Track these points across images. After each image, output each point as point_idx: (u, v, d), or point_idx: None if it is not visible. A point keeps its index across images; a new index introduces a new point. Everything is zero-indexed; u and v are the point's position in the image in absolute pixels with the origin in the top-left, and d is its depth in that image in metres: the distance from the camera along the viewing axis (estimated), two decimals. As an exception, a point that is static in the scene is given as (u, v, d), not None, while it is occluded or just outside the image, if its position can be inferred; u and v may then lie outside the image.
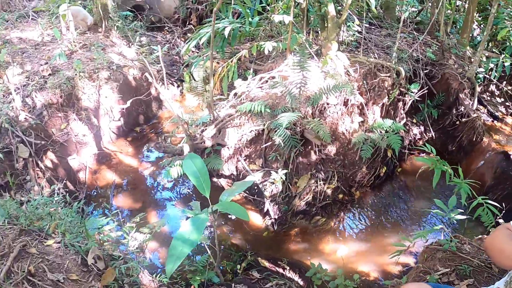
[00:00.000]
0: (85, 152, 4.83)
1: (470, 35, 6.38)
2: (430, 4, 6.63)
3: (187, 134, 4.48)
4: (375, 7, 6.62)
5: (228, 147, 4.62)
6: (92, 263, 2.42)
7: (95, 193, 4.60)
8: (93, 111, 5.03)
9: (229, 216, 4.35)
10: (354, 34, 5.48)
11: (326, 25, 4.80)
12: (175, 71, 6.83)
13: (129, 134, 5.56)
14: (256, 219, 4.39)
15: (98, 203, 4.40)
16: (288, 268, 3.60)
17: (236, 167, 4.67)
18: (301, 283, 3.49)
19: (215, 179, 4.75)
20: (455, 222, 4.09)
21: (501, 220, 3.35)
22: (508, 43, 6.43)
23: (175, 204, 4.60)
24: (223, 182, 4.77)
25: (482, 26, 7.24)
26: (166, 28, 8.06)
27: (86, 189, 4.55)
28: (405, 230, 4.32)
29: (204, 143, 4.55)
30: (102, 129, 5.16)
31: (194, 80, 6.67)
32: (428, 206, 4.52)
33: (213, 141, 4.57)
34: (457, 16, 7.06)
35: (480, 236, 3.41)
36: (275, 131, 4.17)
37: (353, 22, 5.52)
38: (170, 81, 6.40)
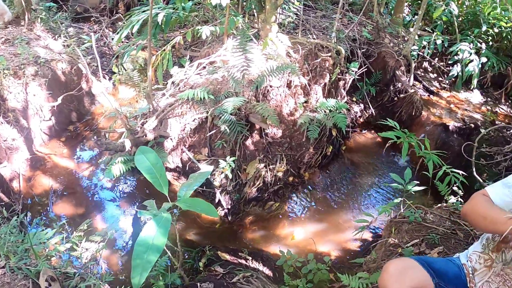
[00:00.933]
0: (16, 158, 4.38)
1: (402, 15, 6.57)
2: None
3: (127, 128, 4.22)
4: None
5: (171, 139, 4.42)
6: (46, 287, 2.07)
7: (32, 202, 4.21)
8: (21, 111, 4.58)
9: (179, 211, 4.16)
10: (292, 16, 5.43)
11: (264, 7, 4.71)
12: (106, 63, 6.46)
13: (62, 134, 5.14)
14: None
15: (38, 214, 4.02)
16: (250, 258, 3.49)
17: (181, 158, 4.48)
18: (268, 272, 3.40)
19: (159, 174, 4.52)
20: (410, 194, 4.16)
21: (455, 188, 3.44)
22: (439, 22, 6.71)
23: (120, 204, 4.32)
24: (169, 176, 4.55)
25: (412, 6, 7.50)
26: (93, 18, 7.61)
27: (22, 199, 4.14)
28: (357, 205, 4.37)
29: (146, 136, 4.30)
30: (33, 131, 4.72)
31: (126, 71, 6.34)
32: (375, 181, 4.60)
33: (155, 133, 4.34)
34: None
35: (439, 205, 3.48)
36: (220, 117, 4.02)
37: (292, 3, 5.47)
38: (102, 74, 6.03)
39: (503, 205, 1.70)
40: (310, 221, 4.17)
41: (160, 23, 5.18)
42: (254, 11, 5.29)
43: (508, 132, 5.10)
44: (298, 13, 5.33)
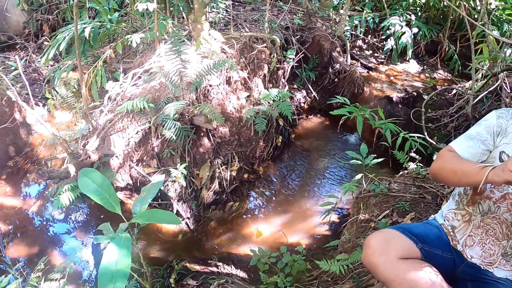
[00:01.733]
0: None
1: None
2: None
3: (69, 152, 3.99)
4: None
5: (116, 156, 4.22)
6: None
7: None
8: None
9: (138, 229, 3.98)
10: (222, 13, 5.34)
11: (192, 7, 4.61)
12: (38, 89, 6.14)
13: (2, 171, 4.82)
14: (169, 225, 4.06)
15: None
16: (221, 264, 3.39)
17: (131, 175, 4.29)
18: (242, 274, 3.30)
19: (110, 194, 4.31)
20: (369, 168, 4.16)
21: (413, 154, 3.46)
22: (367, 0, 6.83)
23: (76, 235, 4.08)
24: (120, 195, 4.35)
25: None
26: (18, 46, 7.24)
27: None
28: (318, 190, 4.34)
29: (90, 157, 4.09)
30: (-30, 173, 4.40)
31: (59, 94, 6.05)
32: (330, 162, 4.60)
33: (99, 153, 4.14)
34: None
35: (401, 173, 3.50)
36: (163, 125, 3.88)
37: (220, 1, 5.39)
38: (35, 101, 5.72)
39: (470, 158, 1.71)
40: (274, 214, 4.11)
41: (88, 39, 4.97)
42: (183, 12, 5.19)
43: (450, 94, 5.24)
44: (228, 9, 5.26)
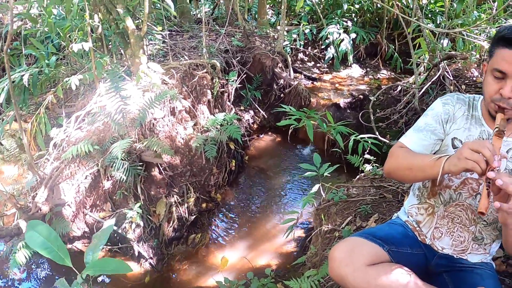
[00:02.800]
0: None
1: (267, 16, 6.73)
2: (222, 1, 6.84)
3: (18, 207, 3.81)
4: (173, 17, 6.59)
5: (68, 205, 4.05)
6: None
7: None
8: None
9: (100, 280, 3.80)
10: (159, 44, 5.29)
11: (128, 42, 4.54)
12: (-21, 146, 5.86)
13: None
14: (132, 268, 3.91)
15: None
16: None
17: (86, 222, 4.12)
18: None
19: (69, 246, 4.12)
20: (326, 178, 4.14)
21: (367, 156, 3.45)
22: (303, 13, 6.97)
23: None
24: (79, 245, 4.17)
25: (274, 7, 7.74)
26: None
27: None
28: (279, 208, 4.30)
29: (40, 210, 3.91)
30: None
31: (3, 146, 5.80)
32: (288, 178, 4.57)
33: (49, 204, 3.96)
34: (250, 3, 7.40)
35: (358, 176, 3.46)
36: (112, 166, 3.76)
37: (156, 31, 5.34)
38: (-23, 160, 5.45)
39: (423, 150, 1.67)
40: (238, 239, 4.03)
41: (27, 87, 4.81)
42: (121, 48, 5.11)
43: (395, 91, 5.36)
44: (166, 40, 5.21)
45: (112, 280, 3.80)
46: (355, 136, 3.06)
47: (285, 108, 3.05)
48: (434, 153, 1.67)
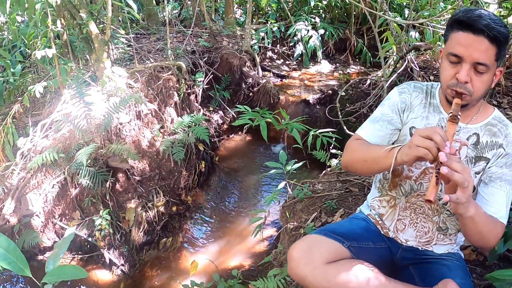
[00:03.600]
0: None
1: (234, 15, 6.71)
2: (189, 1, 6.79)
3: (-17, 221, 3.72)
4: (140, 20, 6.52)
5: (37, 215, 3.97)
6: None
7: None
8: None
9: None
10: (124, 48, 5.23)
11: (93, 46, 4.48)
12: None
13: None
14: (104, 276, 3.84)
15: None
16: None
17: (56, 231, 4.05)
18: None
19: (40, 257, 4.04)
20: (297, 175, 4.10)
21: (333, 150, 3.43)
22: (270, 11, 6.96)
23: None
24: (49, 255, 4.09)
25: (242, 6, 7.72)
26: None
27: None
28: (251, 208, 4.27)
29: (9, 221, 3.83)
30: None
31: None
32: (259, 178, 4.54)
33: (17, 215, 3.88)
34: (217, 3, 7.37)
35: (324, 172, 3.42)
36: (78, 174, 3.69)
37: (120, 35, 5.27)
38: None
39: (380, 141, 1.63)
40: (210, 242, 4.00)
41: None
42: (86, 54, 5.03)
43: (365, 85, 5.38)
44: (131, 43, 5.15)
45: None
46: (314, 132, 3.02)
47: (241, 108, 3.01)
48: (393, 144, 1.62)
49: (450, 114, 1.35)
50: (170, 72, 4.48)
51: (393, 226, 1.73)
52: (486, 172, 1.53)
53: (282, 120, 3.05)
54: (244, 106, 3.01)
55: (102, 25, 5.10)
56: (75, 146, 3.86)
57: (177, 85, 4.53)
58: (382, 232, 1.77)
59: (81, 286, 3.77)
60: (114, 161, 3.83)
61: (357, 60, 6.84)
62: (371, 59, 6.51)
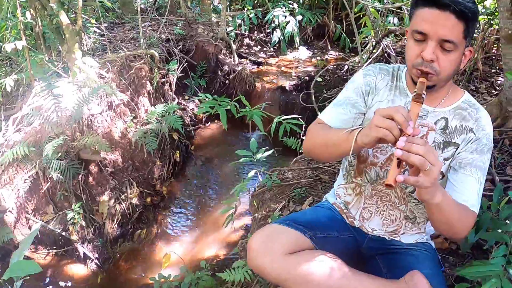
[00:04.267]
0: None
1: (212, 2, 6.62)
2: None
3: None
4: (116, 9, 6.40)
5: (9, 211, 3.89)
6: None
7: None
8: None
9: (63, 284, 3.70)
10: (97, 38, 5.12)
11: (64, 37, 4.38)
12: None
13: None
14: (79, 270, 3.79)
15: None
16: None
17: (29, 227, 3.98)
18: None
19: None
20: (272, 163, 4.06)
21: (304, 137, 3.36)
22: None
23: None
24: (27, 252, 4.04)
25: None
26: None
27: None
28: (225, 197, 4.19)
29: (-19, 219, 3.76)
30: None
31: None
32: (236, 166, 4.48)
33: (-10, 212, 3.81)
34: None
35: (295, 159, 3.35)
36: (50, 167, 3.62)
37: (91, 25, 5.17)
38: None
39: (343, 125, 1.53)
40: (184, 232, 3.96)
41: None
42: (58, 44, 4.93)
43: (342, 71, 5.34)
44: (105, 33, 5.04)
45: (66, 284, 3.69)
46: (278, 119, 2.94)
47: (202, 96, 2.94)
48: None
49: (414, 93, 1.25)
50: (142, 61, 4.40)
51: (359, 214, 1.67)
52: (456, 158, 1.46)
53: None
54: (205, 94, 2.94)
55: (74, 15, 4.99)
56: (46, 139, 3.78)
57: (150, 74, 4.45)
58: (347, 221, 1.70)
59: (58, 281, 3.73)
60: (86, 153, 3.76)
61: (336, 46, 6.79)
62: (350, 44, 6.46)
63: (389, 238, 1.63)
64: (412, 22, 1.33)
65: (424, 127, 1.47)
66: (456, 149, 1.45)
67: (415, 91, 1.26)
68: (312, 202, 2.68)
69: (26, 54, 4.34)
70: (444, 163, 1.47)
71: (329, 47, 6.69)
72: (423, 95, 1.24)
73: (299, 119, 2.86)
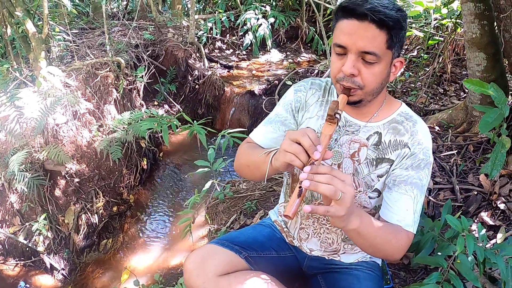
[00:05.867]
0: None
1: (183, 6, 6.59)
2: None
3: None
4: (89, 13, 6.35)
5: (-24, 222, 3.85)
6: None
7: None
8: None
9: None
10: (64, 44, 5.08)
11: (31, 45, 4.34)
12: None
13: None
14: (46, 281, 3.77)
15: None
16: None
17: (-3, 239, 3.96)
18: None
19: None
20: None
21: None
22: (219, 1, 6.86)
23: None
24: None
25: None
26: None
27: None
28: (193, 205, 4.22)
29: None
30: None
31: None
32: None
33: (-44, 224, 3.76)
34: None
35: None
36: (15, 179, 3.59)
37: (56, 33, 5.12)
38: None
39: (271, 144, 1.49)
40: (150, 241, 3.94)
41: None
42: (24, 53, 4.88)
43: (312, 74, 5.35)
44: (74, 39, 5.00)
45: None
46: (224, 132, 2.92)
47: (148, 113, 2.95)
48: None
49: (328, 112, 1.16)
50: (108, 69, 4.37)
51: (296, 234, 1.61)
52: (390, 175, 1.37)
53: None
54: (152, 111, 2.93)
55: (42, 23, 4.94)
56: (10, 151, 3.75)
57: (116, 82, 4.42)
58: (287, 240, 1.66)
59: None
60: (49, 164, 3.74)
61: (309, 48, 6.80)
62: (323, 46, 6.47)
63: (328, 258, 1.59)
64: (333, 35, 1.25)
65: (356, 143, 1.40)
66: (391, 165, 1.38)
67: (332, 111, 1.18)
68: (263, 215, 2.67)
69: (-7, 64, 4.30)
70: (378, 181, 1.40)
71: (302, 49, 6.70)
72: (336, 115, 1.16)
73: (246, 132, 2.85)
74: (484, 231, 1.47)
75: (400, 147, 1.36)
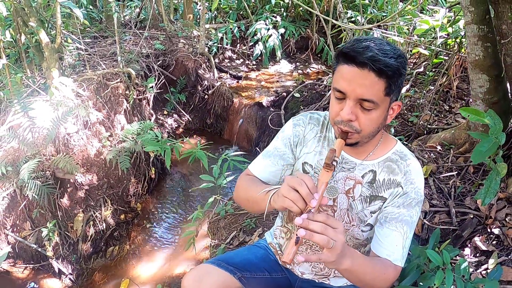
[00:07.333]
0: None
1: (194, 16, 6.68)
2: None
3: None
4: (102, 19, 6.45)
5: (-12, 227, 3.98)
6: None
7: None
8: None
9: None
10: (77, 54, 5.19)
11: (44, 55, 4.46)
12: None
13: None
14: (54, 285, 3.88)
15: None
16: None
17: (8, 242, 4.07)
18: None
19: (-4, 270, 4.07)
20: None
21: None
22: (230, 11, 6.94)
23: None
24: (4, 265, 4.11)
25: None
26: None
27: None
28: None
29: (-39, 235, 3.84)
30: None
31: None
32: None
33: (-31, 228, 3.89)
34: (176, 2, 7.30)
35: None
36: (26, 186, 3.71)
37: (68, 43, 5.23)
38: None
39: (270, 177, 1.56)
40: (156, 250, 4.02)
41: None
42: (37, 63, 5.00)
43: (320, 86, 5.38)
44: (87, 48, 5.11)
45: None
46: (225, 156, 2.98)
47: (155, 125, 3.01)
48: None
49: (325, 161, 1.22)
50: (118, 80, 4.47)
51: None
52: (382, 211, 1.43)
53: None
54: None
55: (55, 32, 5.06)
56: (23, 158, 3.86)
57: (127, 92, 4.52)
58: (280, 263, 1.73)
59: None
60: (60, 173, 3.84)
61: (319, 58, 6.84)
62: (332, 58, 6.49)
63: (318, 281, 1.66)
64: (333, 78, 1.29)
65: (351, 180, 1.46)
66: (383, 202, 1.44)
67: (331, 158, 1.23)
68: (261, 233, 2.74)
69: (6, 72, 4.41)
70: (372, 216, 1.46)
71: (312, 60, 6.75)
72: (333, 163, 1.21)
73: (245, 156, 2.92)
74: (466, 264, 1.49)
75: (393, 186, 1.42)
